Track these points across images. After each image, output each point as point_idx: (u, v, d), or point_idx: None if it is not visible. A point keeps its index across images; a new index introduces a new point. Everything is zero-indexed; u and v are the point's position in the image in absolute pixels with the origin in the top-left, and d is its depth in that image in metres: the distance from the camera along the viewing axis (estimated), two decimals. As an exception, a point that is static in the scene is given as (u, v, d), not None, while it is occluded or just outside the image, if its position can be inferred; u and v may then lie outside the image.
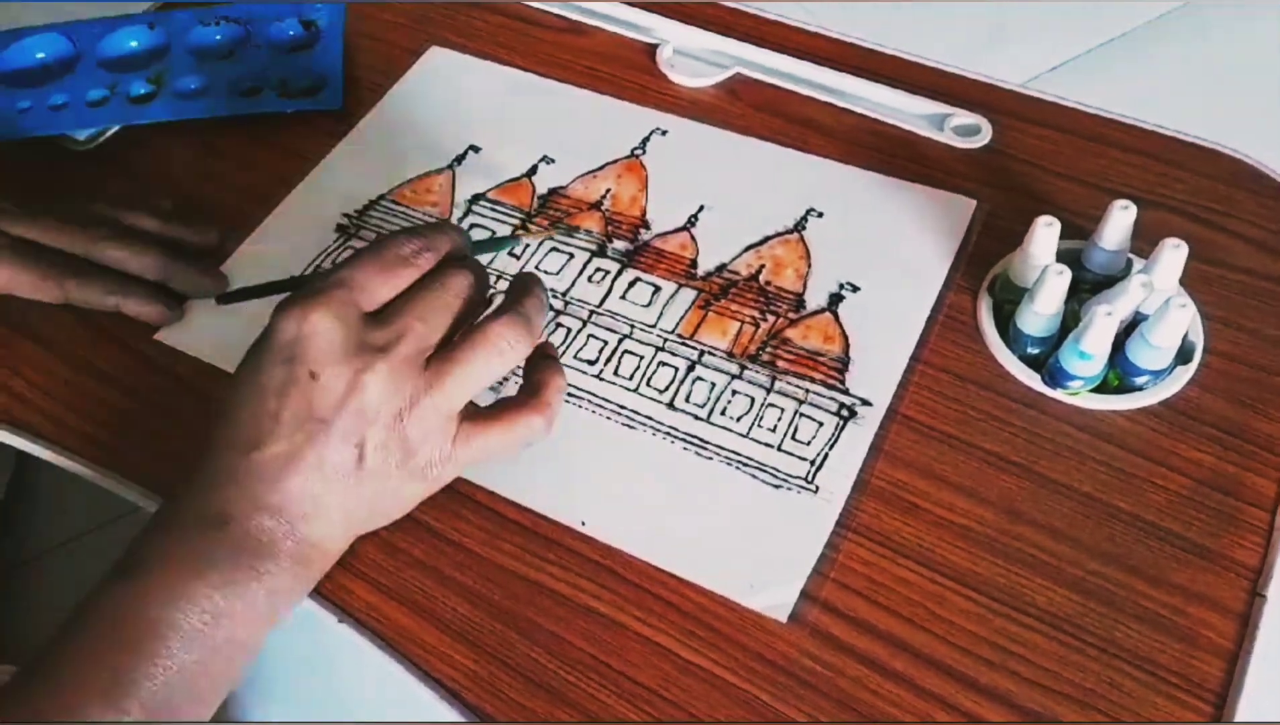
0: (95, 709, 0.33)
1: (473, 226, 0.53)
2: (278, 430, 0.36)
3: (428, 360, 0.38)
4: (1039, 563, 0.41)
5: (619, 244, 0.52)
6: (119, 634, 0.34)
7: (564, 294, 0.50)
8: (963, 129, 0.55)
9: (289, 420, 0.36)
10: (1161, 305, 0.42)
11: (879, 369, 0.46)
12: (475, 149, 0.57)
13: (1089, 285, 0.47)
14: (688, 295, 0.50)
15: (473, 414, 0.39)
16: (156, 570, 0.35)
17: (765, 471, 0.44)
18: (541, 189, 0.55)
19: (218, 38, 0.63)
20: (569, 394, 0.47)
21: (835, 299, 0.49)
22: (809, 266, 0.50)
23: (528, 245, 0.52)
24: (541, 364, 0.41)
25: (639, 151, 0.56)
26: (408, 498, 0.39)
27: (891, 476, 0.43)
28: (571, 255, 0.52)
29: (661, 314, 0.49)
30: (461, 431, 0.39)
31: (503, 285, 0.51)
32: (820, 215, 0.52)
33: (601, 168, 0.55)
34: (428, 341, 0.38)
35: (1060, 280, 0.43)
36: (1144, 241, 0.46)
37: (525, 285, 0.41)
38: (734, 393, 0.46)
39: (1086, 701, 0.38)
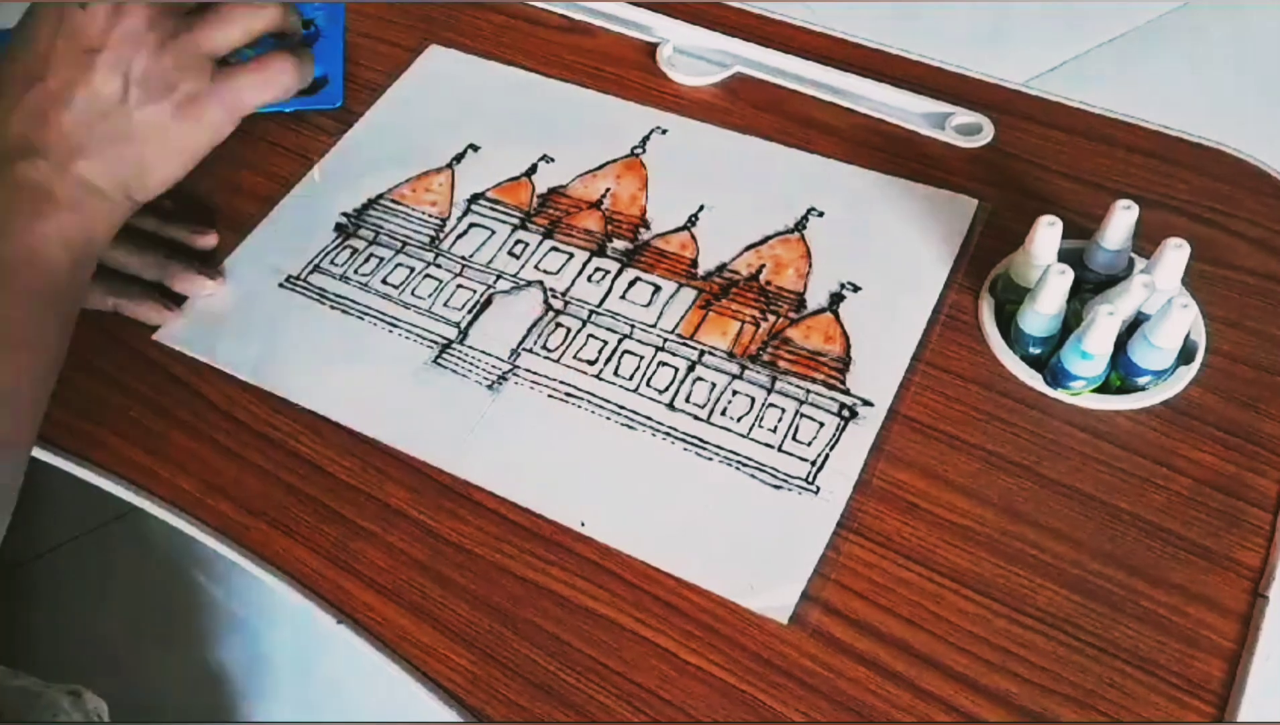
0: None
1: (472, 226, 0.53)
2: (51, 64, 0.39)
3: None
4: (1040, 563, 0.41)
5: (619, 243, 0.52)
6: None
7: (564, 293, 0.50)
8: (964, 128, 0.55)
9: (62, 52, 0.39)
10: (1164, 305, 0.42)
11: (880, 369, 0.46)
12: (474, 148, 0.57)
13: (1091, 285, 0.47)
14: (688, 295, 0.50)
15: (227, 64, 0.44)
16: None
17: (766, 472, 0.44)
18: (541, 188, 0.55)
19: (217, 37, 0.63)
20: (569, 394, 0.47)
21: (836, 299, 0.49)
22: (810, 266, 0.50)
23: (524, 243, 0.52)
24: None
25: (639, 151, 0.56)
26: (176, 140, 0.43)
27: (892, 477, 0.43)
28: (571, 254, 0.52)
29: (661, 314, 0.49)
30: (220, 71, 0.43)
31: (502, 284, 0.51)
32: (821, 215, 0.52)
33: (601, 167, 0.55)
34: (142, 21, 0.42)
35: (1062, 280, 0.43)
36: (1146, 241, 0.46)
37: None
38: (734, 393, 0.46)
39: (1087, 702, 0.38)
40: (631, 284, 0.50)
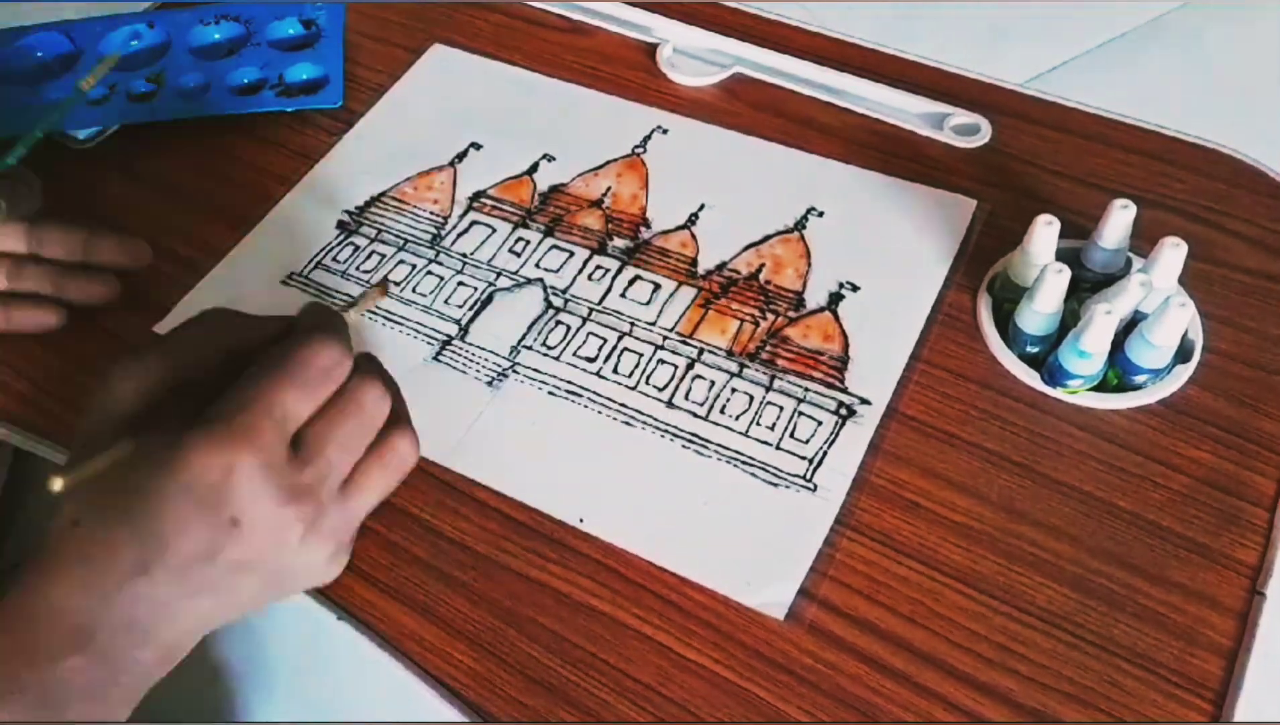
0: None
1: (473, 224, 0.53)
2: (175, 562, 0.33)
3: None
4: (1039, 561, 0.41)
5: (619, 242, 0.52)
6: None
7: (564, 292, 0.50)
8: (962, 128, 0.55)
9: (190, 555, 0.33)
10: (1161, 304, 0.42)
11: (878, 368, 0.46)
12: (477, 146, 0.57)
13: (1089, 284, 0.47)
14: (688, 293, 0.50)
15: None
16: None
17: (764, 470, 0.44)
18: (542, 186, 0.55)
19: (217, 36, 0.63)
20: (569, 391, 0.47)
21: (835, 298, 0.49)
22: (809, 265, 0.50)
23: (525, 241, 0.52)
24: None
25: (640, 150, 0.56)
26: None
27: (891, 475, 0.43)
28: (572, 252, 0.52)
29: (661, 312, 0.49)
30: (347, 503, 0.36)
31: (503, 282, 0.51)
32: (820, 214, 0.52)
33: (602, 166, 0.55)
34: (346, 472, 0.36)
35: (1060, 279, 0.43)
36: (1143, 241, 0.46)
37: (391, 382, 0.38)
38: (733, 391, 0.46)
39: (1086, 699, 0.38)
40: (631, 282, 0.51)
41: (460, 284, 0.51)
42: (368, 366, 0.37)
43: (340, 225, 0.54)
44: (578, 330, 0.49)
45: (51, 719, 0.32)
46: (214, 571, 0.33)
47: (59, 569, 0.33)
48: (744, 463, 0.44)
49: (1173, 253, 0.43)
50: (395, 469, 0.37)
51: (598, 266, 0.51)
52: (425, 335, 0.49)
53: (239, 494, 0.33)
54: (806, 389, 0.46)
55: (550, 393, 0.47)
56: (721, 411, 0.46)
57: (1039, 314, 0.44)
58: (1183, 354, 0.45)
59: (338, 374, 0.36)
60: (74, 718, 0.32)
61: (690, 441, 0.45)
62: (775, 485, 0.43)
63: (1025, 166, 0.53)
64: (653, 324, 0.49)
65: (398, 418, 0.38)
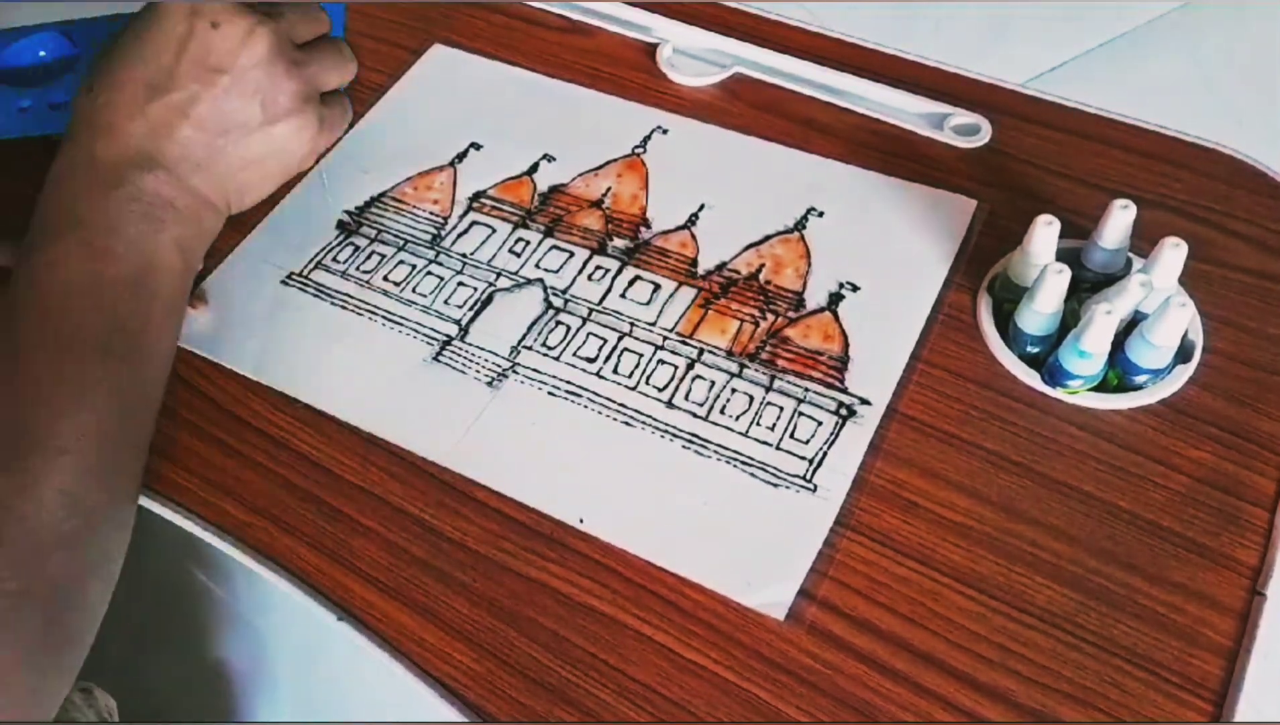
0: (70, 363, 0.38)
1: (473, 224, 0.53)
2: (177, 78, 0.40)
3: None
4: (1039, 561, 0.41)
5: (619, 242, 0.52)
6: (59, 300, 0.39)
7: (564, 291, 0.50)
8: (963, 128, 0.55)
9: (188, 67, 0.40)
10: (1161, 304, 0.42)
11: (878, 368, 0.46)
12: (477, 146, 0.57)
13: (1089, 284, 0.47)
14: (687, 294, 0.50)
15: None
16: (66, 236, 0.39)
17: (764, 470, 0.44)
18: (542, 186, 0.55)
19: (218, 36, 0.63)
20: (569, 391, 0.47)
21: (835, 298, 0.49)
22: (809, 265, 0.50)
23: (525, 242, 0.52)
24: None
25: (640, 150, 0.56)
26: (280, 162, 0.47)
27: (891, 475, 0.43)
28: (572, 253, 0.52)
29: (661, 312, 0.49)
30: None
31: (503, 282, 0.51)
32: (820, 214, 0.52)
33: (602, 166, 0.55)
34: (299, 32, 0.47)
35: (1060, 279, 0.43)
36: (1144, 241, 0.46)
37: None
38: (733, 391, 0.46)
39: (1086, 700, 0.38)
40: (631, 282, 0.51)
41: (460, 284, 0.51)
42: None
43: (340, 225, 0.54)
44: (578, 330, 0.49)
45: (112, 242, 0.39)
46: (214, 92, 0.41)
47: (84, 127, 0.41)
48: (744, 463, 0.44)
49: (1173, 253, 0.43)
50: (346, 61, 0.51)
51: (598, 267, 0.51)
52: (425, 335, 0.49)
53: (162, 35, 0.41)
54: (806, 389, 0.46)
55: (550, 393, 0.47)
56: (721, 412, 0.46)
57: (1039, 314, 0.44)
58: (1183, 354, 0.45)
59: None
60: (133, 237, 0.40)
61: (690, 442, 0.45)
62: (775, 485, 0.43)
63: (1025, 166, 0.53)
64: (653, 324, 0.49)
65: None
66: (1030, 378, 0.46)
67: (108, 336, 0.39)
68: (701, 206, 0.53)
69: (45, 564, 0.35)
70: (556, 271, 0.51)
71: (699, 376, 0.47)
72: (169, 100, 0.41)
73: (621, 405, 0.46)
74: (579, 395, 0.47)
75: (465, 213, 0.54)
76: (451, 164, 0.56)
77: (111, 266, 0.39)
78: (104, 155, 0.41)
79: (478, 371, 0.48)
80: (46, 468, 0.36)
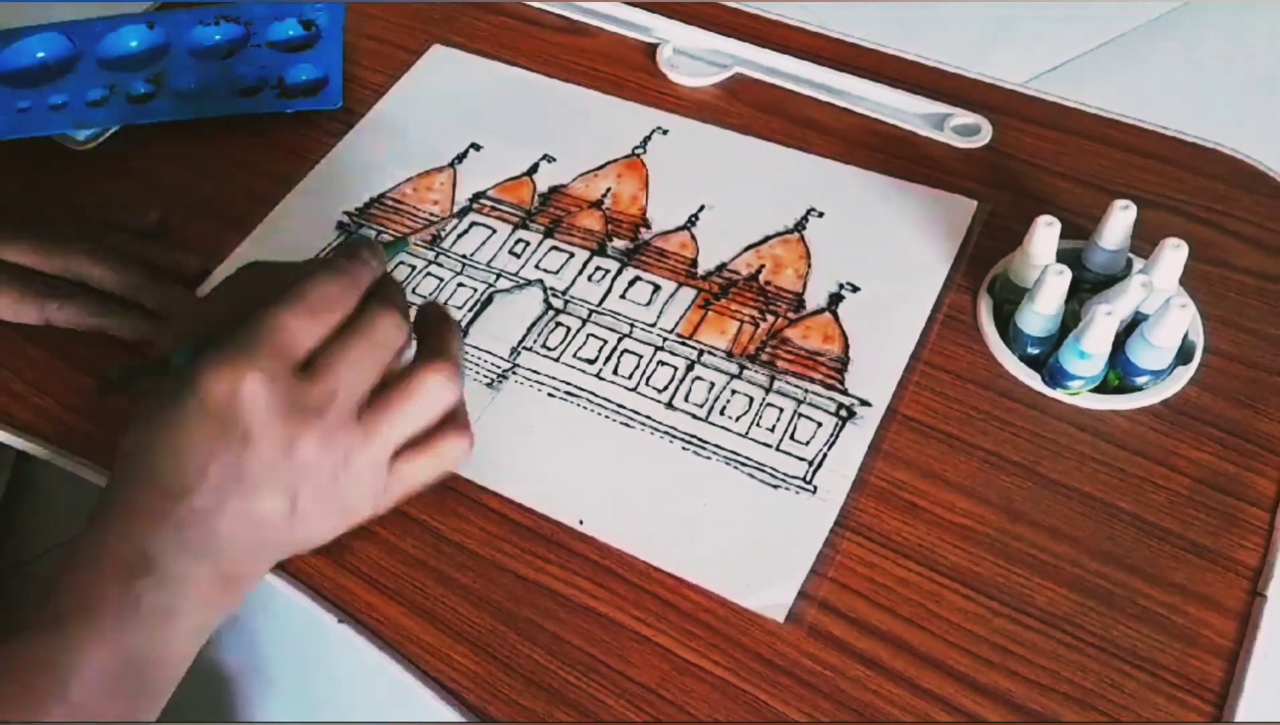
0: None
1: (473, 225, 0.53)
2: (205, 485, 0.34)
3: (360, 410, 0.36)
4: (1039, 562, 0.41)
5: (619, 243, 0.52)
6: (35, 680, 0.33)
7: (563, 293, 0.50)
8: (963, 129, 0.55)
9: (217, 478, 0.34)
10: (1161, 305, 0.42)
11: (878, 369, 0.46)
12: (477, 147, 0.57)
13: (1089, 285, 0.47)
14: (687, 294, 0.50)
15: (401, 450, 0.37)
16: (78, 619, 0.34)
17: (764, 471, 0.44)
18: (542, 187, 0.55)
19: (217, 37, 0.63)
20: (569, 392, 0.47)
21: (835, 299, 0.49)
22: (809, 266, 0.50)
23: (525, 242, 0.52)
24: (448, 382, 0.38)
25: (640, 151, 0.56)
26: (335, 529, 0.38)
27: (891, 476, 0.43)
28: (572, 254, 0.52)
29: (661, 313, 0.49)
30: (394, 472, 0.37)
31: (503, 283, 0.51)
32: (820, 215, 0.52)
33: (602, 166, 0.55)
34: (359, 393, 0.36)
35: (1060, 280, 0.43)
36: (1144, 241, 0.46)
37: (438, 319, 0.39)
38: (733, 392, 0.46)
39: (1086, 701, 0.38)
40: (631, 283, 0.50)
41: (460, 285, 0.51)
42: (383, 293, 0.38)
43: (340, 226, 0.54)
44: (577, 331, 0.49)
45: (126, 639, 0.34)
46: (243, 489, 0.35)
47: (115, 504, 0.36)
48: (744, 464, 0.44)
49: (1173, 254, 0.43)
50: (424, 395, 0.37)
51: (597, 267, 0.51)
52: (425, 336, 0.49)
53: (246, 408, 0.34)
54: (806, 390, 0.46)
55: (550, 394, 0.47)
56: (721, 413, 0.46)
57: (1039, 315, 0.44)
58: (1183, 355, 0.45)
59: (344, 300, 0.36)
60: (145, 637, 0.34)
61: (690, 443, 0.45)
62: (775, 487, 0.43)
63: (1025, 167, 0.53)
64: (652, 325, 0.49)
65: (429, 352, 0.38)
66: (1031, 379, 0.45)
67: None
68: (701, 207, 0.53)
69: None
70: (556, 272, 0.51)
71: (699, 377, 0.47)
72: (189, 505, 0.35)
73: (621, 406, 0.46)
74: (579, 396, 0.47)
75: (465, 213, 0.54)
76: (451, 164, 0.56)
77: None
78: (129, 546, 0.35)
79: (477, 372, 0.48)
80: None
